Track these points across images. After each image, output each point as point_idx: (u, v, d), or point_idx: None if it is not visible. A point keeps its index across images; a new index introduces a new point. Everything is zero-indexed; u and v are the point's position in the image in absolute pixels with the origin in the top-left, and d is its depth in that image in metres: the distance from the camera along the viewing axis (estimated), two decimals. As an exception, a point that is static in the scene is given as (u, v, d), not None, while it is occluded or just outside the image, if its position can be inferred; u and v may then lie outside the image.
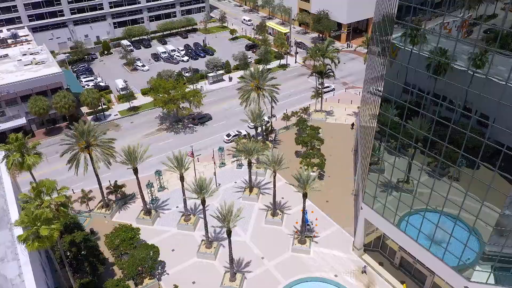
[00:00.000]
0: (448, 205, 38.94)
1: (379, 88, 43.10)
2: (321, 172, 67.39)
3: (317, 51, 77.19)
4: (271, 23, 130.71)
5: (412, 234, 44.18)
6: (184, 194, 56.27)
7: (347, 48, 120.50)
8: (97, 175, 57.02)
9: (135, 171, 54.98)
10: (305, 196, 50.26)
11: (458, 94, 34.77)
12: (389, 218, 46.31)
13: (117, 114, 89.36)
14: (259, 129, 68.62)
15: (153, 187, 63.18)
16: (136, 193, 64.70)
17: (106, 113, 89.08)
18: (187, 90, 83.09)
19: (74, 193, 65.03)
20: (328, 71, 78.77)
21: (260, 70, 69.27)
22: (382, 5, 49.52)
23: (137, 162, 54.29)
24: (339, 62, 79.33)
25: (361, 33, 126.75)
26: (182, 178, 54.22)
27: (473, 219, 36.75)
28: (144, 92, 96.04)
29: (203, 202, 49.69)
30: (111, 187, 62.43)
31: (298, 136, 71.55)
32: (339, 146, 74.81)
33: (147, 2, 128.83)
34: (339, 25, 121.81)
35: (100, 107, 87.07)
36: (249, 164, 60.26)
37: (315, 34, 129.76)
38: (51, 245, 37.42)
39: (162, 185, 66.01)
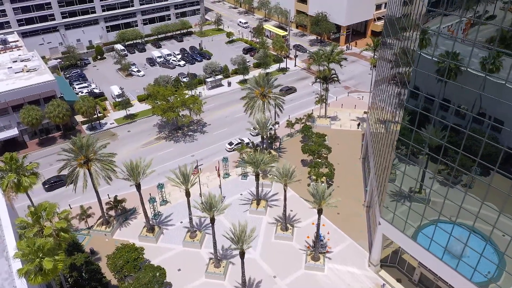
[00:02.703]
0: (473, 217, 36.58)
1: (401, 99, 40.48)
2: (330, 182, 64.81)
3: (322, 56, 74.51)
4: (268, 26, 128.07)
5: (435, 251, 41.75)
6: (190, 211, 53.19)
7: (346, 50, 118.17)
8: (96, 192, 53.74)
9: (138, 187, 51.78)
10: (320, 212, 47.54)
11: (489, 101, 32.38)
12: (411, 234, 43.82)
13: (113, 123, 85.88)
14: (264, 137, 65.58)
15: (156, 201, 59.98)
16: (137, 207, 61.61)
17: (102, 121, 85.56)
18: (186, 96, 79.93)
19: (71, 208, 61.64)
20: (333, 75, 76.22)
21: (265, 76, 66.42)
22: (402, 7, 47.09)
23: (140, 177, 51.06)
24: (342, 65, 76.66)
25: (360, 36, 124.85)
26: (188, 194, 51.15)
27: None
28: (141, 99, 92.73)
29: (212, 220, 46.71)
30: (111, 202, 59.15)
31: (305, 144, 68.88)
32: (346, 153, 72.35)
33: (140, 5, 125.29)
34: (338, 27, 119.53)
35: (96, 116, 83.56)
36: (257, 177, 57.41)
37: (313, 37, 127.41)
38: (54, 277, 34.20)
39: (165, 199, 62.88)
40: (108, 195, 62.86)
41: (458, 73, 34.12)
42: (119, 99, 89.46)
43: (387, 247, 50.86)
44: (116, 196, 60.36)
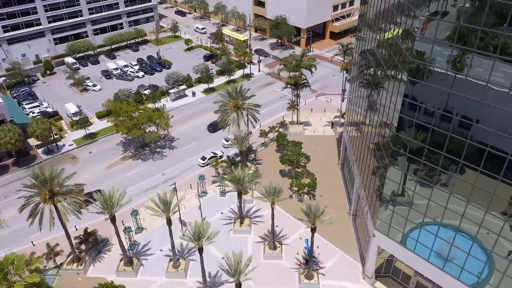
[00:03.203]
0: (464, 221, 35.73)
1: (394, 110, 38.81)
2: (312, 192, 62.82)
3: (293, 62, 72.49)
4: (227, 31, 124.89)
5: (435, 261, 40.64)
6: (172, 240, 49.11)
7: (308, 53, 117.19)
8: (65, 229, 48.32)
9: (113, 219, 47.01)
10: (314, 230, 45.20)
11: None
12: (408, 244, 42.49)
13: (72, 144, 79.34)
14: (242, 152, 62.45)
15: (131, 230, 55.21)
16: (110, 237, 56.61)
17: (59, 143, 78.80)
18: (151, 111, 75.15)
19: (34, 245, 55.67)
20: (304, 81, 74.45)
21: (238, 88, 63.34)
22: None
23: (115, 209, 46.36)
24: (316, 69, 75.12)
25: (319, 37, 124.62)
26: (169, 222, 47.06)
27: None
28: (101, 116, 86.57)
29: (201, 250, 43.06)
30: (81, 236, 53.73)
31: (282, 154, 66.53)
32: (324, 160, 70.74)
33: (90, 14, 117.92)
34: (298, 30, 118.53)
35: (52, 138, 76.76)
36: (239, 195, 54.25)
37: (273, 40, 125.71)
38: None
39: (140, 226, 58.20)
40: (75, 226, 57.30)
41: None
42: (76, 118, 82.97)
43: (378, 255, 49.45)
44: (86, 228, 54.94)
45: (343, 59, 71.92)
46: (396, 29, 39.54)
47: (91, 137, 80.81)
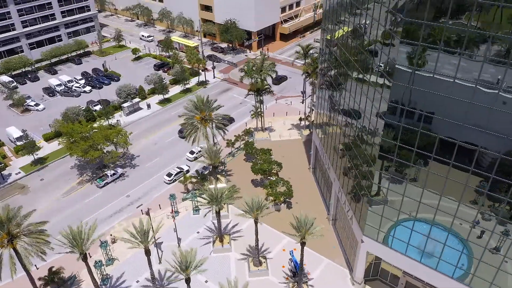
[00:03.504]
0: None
1: (377, 114, 37.97)
2: (288, 200, 61.28)
3: (253, 68, 70.52)
4: (176, 38, 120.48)
5: (428, 261, 40.55)
6: (152, 270, 45.30)
7: (260, 55, 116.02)
8: (28, 272, 42.93)
9: (85, 258, 42.37)
10: (303, 244, 43.52)
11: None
12: (399, 248, 42.09)
13: (19, 172, 72.01)
14: (216, 167, 59.43)
15: (102, 264, 50.47)
16: (78, 273, 51.57)
17: (4, 173, 71.17)
18: (107, 129, 69.95)
19: (-11, 292, 49.33)
20: (266, 87, 72.75)
21: (205, 99, 60.23)
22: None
23: (86, 246, 41.78)
24: (276, 75, 73.63)
25: (269, 39, 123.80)
26: (148, 253, 43.26)
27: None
28: (48, 138, 79.60)
29: (188, 280, 39.84)
30: (45, 277, 48.21)
31: (254, 164, 64.38)
32: (294, 165, 69.49)
33: (24, 27, 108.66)
34: (248, 33, 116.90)
35: (-4, 167, 69.25)
36: (218, 213, 51.38)
37: (224, 45, 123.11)
38: None
39: (111, 257, 53.50)
40: (35, 266, 51.44)
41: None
42: (21, 142, 75.56)
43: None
44: (51, 268, 49.38)
45: (304, 63, 71.02)
46: (372, 31, 38.71)
47: (41, 162, 73.89)
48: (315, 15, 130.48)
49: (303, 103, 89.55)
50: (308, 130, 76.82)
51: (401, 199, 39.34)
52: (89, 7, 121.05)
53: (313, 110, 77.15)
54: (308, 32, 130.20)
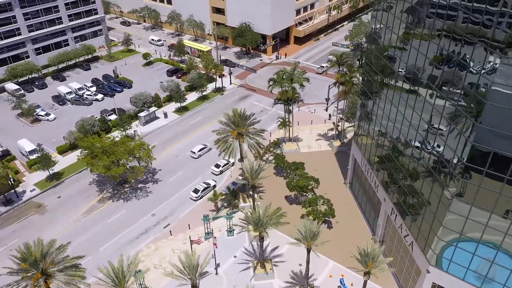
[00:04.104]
0: None
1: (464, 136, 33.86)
2: (329, 219, 57.29)
3: (283, 77, 66.38)
4: (188, 42, 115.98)
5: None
6: (199, 306, 41.17)
7: (276, 60, 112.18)
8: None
9: (128, 295, 38.15)
10: (368, 275, 39.55)
11: None
12: (474, 282, 38.32)
13: (34, 189, 67.34)
14: (255, 186, 55.26)
15: (138, 298, 46.19)
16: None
17: (18, 190, 66.51)
18: (131, 143, 65.51)
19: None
20: (296, 95, 68.63)
21: (242, 113, 56.04)
22: None
23: (128, 283, 37.51)
24: (308, 82, 69.49)
25: (283, 43, 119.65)
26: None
27: None
28: (63, 151, 74.94)
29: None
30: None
31: (290, 180, 60.37)
32: (329, 179, 65.40)
33: (29, 32, 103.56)
34: (263, 37, 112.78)
35: (10, 184, 64.46)
36: (262, 239, 47.29)
37: (237, 49, 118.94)
38: None
39: (144, 286, 49.10)
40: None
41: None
42: (34, 156, 70.93)
43: None
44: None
45: (338, 71, 67.22)
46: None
47: (56, 178, 69.31)
48: (329, 17, 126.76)
49: (326, 111, 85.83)
50: (339, 141, 72.85)
51: (483, 230, 35.56)
52: (96, 10, 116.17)
53: (342, 119, 73.25)
54: (322, 35, 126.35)
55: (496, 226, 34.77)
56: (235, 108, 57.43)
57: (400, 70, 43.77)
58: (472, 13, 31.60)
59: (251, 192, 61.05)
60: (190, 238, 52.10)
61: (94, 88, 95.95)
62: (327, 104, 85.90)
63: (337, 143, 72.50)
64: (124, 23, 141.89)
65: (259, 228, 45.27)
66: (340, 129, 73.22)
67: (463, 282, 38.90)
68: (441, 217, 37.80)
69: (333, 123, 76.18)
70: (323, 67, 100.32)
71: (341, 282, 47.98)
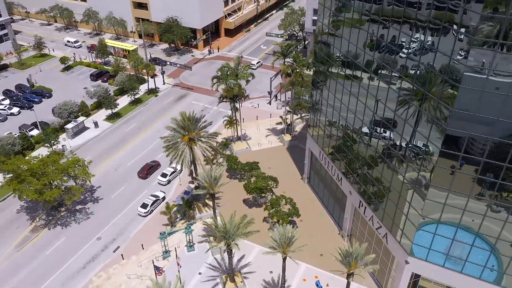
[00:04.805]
0: None
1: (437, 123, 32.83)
2: (292, 219, 54.80)
3: (228, 73, 62.32)
4: (110, 41, 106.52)
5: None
6: None
7: (208, 55, 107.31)
8: None
9: None
10: (351, 276, 37.54)
11: None
12: (455, 267, 38.07)
13: None
14: (214, 195, 50.93)
15: None
16: None
17: None
18: (62, 160, 57.65)
19: None
20: (242, 91, 65.02)
21: (191, 117, 50.93)
22: None
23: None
24: (253, 77, 66.05)
25: (213, 36, 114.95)
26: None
27: None
28: (-22, 178, 64.28)
29: None
30: None
31: (248, 182, 56.87)
32: (284, 176, 62.82)
33: None
34: (193, 31, 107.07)
35: None
36: (230, 252, 43.45)
37: (164, 45, 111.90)
38: None
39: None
40: None
41: None
42: None
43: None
44: None
45: (283, 62, 64.46)
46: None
47: (-25, 210, 59.20)
48: (258, 7, 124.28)
49: (270, 105, 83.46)
50: (290, 135, 70.70)
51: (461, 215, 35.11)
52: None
53: (290, 112, 71.21)
54: (253, 26, 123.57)
55: (472, 209, 34.49)
56: (183, 111, 52.25)
57: (366, 56, 42.08)
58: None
59: (207, 201, 57.04)
60: (153, 262, 46.60)
61: (7, 101, 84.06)
62: (271, 98, 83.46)
63: (287, 137, 70.31)
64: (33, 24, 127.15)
65: (227, 240, 41.35)
66: (288, 122, 71.04)
67: (444, 269, 38.51)
68: (418, 205, 36.86)
69: (281, 116, 73.84)
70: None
71: (317, 285, 45.93)
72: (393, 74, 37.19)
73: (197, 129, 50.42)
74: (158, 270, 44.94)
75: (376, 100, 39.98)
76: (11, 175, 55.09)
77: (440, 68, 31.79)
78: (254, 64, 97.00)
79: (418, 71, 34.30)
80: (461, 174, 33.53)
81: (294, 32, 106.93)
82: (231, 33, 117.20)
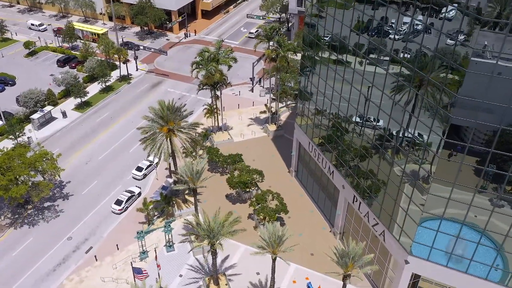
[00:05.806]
0: None
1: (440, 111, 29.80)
2: (279, 216, 51.25)
3: (209, 58, 57.67)
4: (78, 24, 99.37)
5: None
6: None
7: (185, 38, 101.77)
8: None
9: None
10: (347, 278, 34.61)
11: None
12: (459, 266, 35.64)
13: None
14: (195, 190, 46.93)
15: None
16: None
17: None
18: (28, 153, 52.30)
19: None
20: (224, 78, 60.61)
21: (171, 106, 46.33)
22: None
23: None
24: (236, 61, 61.56)
25: (190, 18, 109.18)
26: None
27: None
28: None
29: None
30: None
31: (231, 176, 53.00)
32: (270, 169, 59.15)
33: None
34: (167, 14, 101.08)
35: None
36: (214, 252, 39.82)
37: (136, 29, 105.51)
38: None
39: None
40: None
41: None
42: None
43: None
44: None
45: (268, 47, 60.26)
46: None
47: None
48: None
49: (252, 92, 79.41)
50: (274, 125, 66.94)
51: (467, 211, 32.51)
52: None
53: (275, 100, 67.33)
54: (232, 7, 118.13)
55: (478, 204, 31.98)
56: (161, 100, 47.52)
57: (360, 39, 38.55)
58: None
59: (187, 197, 53.02)
60: (131, 264, 42.45)
61: (-36, 89, 76.90)
62: (253, 84, 79.35)
63: (272, 127, 66.53)
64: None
65: (211, 240, 37.68)
66: (273, 111, 67.21)
67: (447, 269, 36.06)
68: (419, 200, 34.10)
69: (265, 105, 69.87)
70: (253, 33, 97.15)
71: (308, 287, 42.95)
72: (389, 57, 33.97)
73: (177, 119, 45.96)
74: (138, 272, 40.96)
75: (371, 85, 36.78)
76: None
77: (444, 52, 28.76)
78: (252, 33, 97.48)
79: (417, 56, 31.23)
80: (465, 166, 30.89)
81: (278, 13, 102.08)
82: (208, 15, 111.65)
